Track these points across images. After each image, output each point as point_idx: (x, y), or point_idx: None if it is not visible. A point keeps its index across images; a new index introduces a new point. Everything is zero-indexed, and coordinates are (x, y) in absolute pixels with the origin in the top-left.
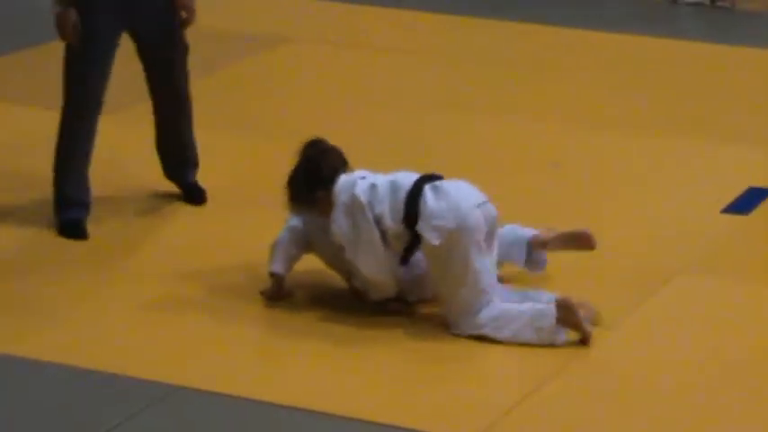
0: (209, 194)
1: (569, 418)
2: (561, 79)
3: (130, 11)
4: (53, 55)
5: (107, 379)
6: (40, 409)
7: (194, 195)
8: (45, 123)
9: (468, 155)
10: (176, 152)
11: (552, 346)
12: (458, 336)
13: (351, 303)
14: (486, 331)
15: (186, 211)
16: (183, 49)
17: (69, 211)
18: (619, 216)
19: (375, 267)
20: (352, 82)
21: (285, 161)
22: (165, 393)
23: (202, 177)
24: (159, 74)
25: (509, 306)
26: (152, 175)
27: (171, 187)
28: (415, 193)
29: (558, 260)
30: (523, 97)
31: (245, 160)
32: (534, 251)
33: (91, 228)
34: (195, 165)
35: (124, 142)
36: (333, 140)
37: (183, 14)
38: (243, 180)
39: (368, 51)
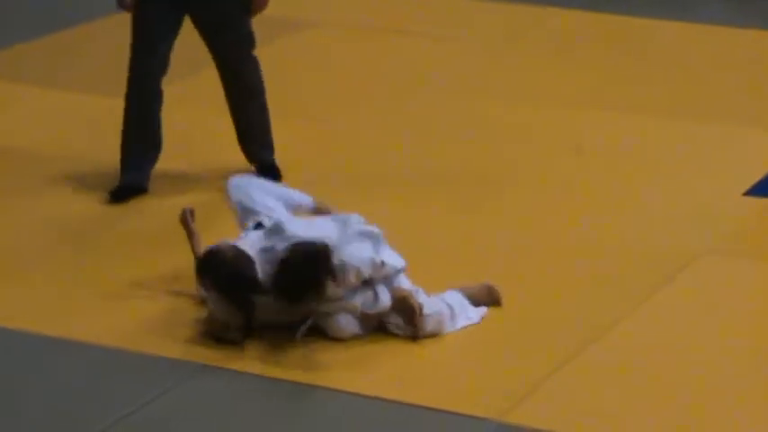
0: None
1: (589, 399)
2: (582, 64)
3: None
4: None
5: (137, 358)
6: (72, 387)
7: (270, 174)
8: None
9: (491, 140)
10: (248, 136)
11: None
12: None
13: None
14: None
15: (212, 187)
16: (245, 37)
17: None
18: (641, 199)
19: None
20: (376, 67)
21: (309, 145)
22: (195, 371)
23: (230, 159)
24: (221, 60)
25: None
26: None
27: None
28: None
29: (579, 242)
30: (546, 83)
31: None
32: None
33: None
34: (269, 147)
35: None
36: (356, 126)
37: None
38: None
39: (392, 36)
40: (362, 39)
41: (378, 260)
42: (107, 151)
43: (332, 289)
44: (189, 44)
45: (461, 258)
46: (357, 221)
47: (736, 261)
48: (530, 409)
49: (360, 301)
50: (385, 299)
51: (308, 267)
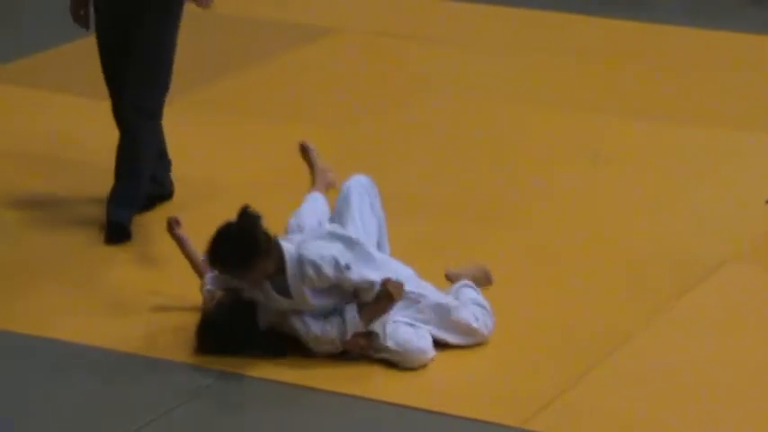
0: (261, 182)
1: (611, 407)
2: (603, 70)
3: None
4: None
5: (159, 364)
6: (96, 394)
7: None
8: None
9: (507, 146)
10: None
11: None
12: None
13: None
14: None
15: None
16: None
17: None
18: (664, 205)
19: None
20: (398, 72)
21: (331, 149)
22: (214, 379)
23: (257, 165)
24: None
25: None
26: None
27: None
28: None
29: (602, 249)
30: (563, 89)
31: (293, 148)
32: None
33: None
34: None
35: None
36: (376, 132)
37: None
38: (288, 167)
39: (414, 42)
40: (377, 45)
41: (342, 262)
42: None
43: (263, 266)
44: (205, 52)
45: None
46: (338, 228)
47: (761, 269)
48: (552, 417)
49: (333, 329)
50: (352, 320)
51: (239, 239)
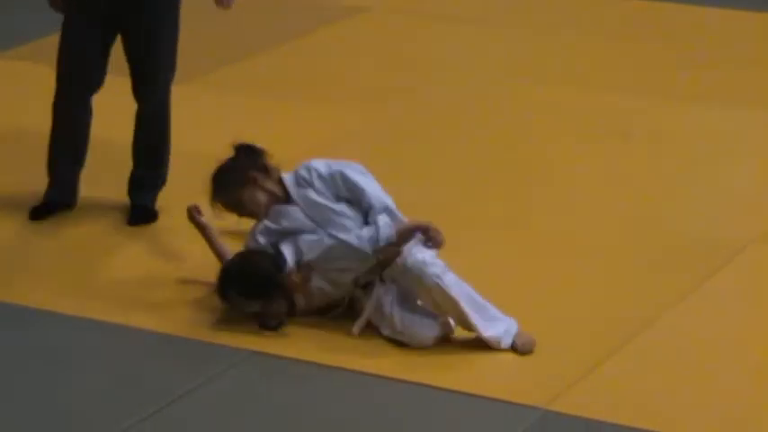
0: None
1: (636, 389)
2: (633, 50)
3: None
4: None
5: (191, 344)
6: (127, 371)
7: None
8: None
9: (538, 125)
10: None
11: None
12: None
13: None
14: None
15: None
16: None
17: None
18: (689, 187)
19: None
20: (428, 52)
21: (361, 128)
22: (241, 359)
23: (285, 143)
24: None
25: None
26: None
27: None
28: None
29: (626, 230)
30: (596, 68)
31: (321, 127)
32: None
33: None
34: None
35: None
36: (407, 111)
37: None
38: (317, 146)
39: (443, 22)
40: (406, 24)
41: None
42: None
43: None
44: (235, 30)
45: (504, 242)
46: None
47: None
48: (577, 398)
49: (365, 235)
50: (384, 226)
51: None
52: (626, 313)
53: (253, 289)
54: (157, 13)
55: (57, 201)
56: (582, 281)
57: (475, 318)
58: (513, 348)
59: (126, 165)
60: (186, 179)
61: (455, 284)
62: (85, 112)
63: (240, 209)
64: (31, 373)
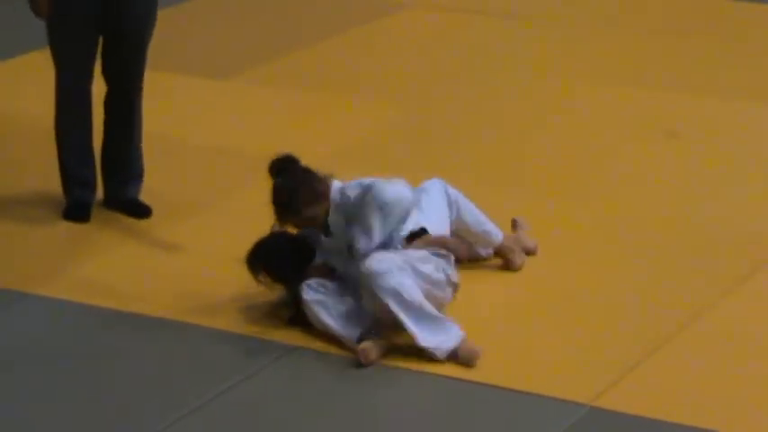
0: (329, 155)
1: (681, 385)
2: (679, 48)
3: None
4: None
5: (230, 338)
6: (173, 364)
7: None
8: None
9: (581, 123)
10: (116, 166)
11: None
12: None
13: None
14: None
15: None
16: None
17: (75, 191)
18: (735, 184)
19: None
20: (466, 48)
21: (400, 124)
22: (283, 353)
23: (327, 138)
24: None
25: None
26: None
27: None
28: None
29: (671, 227)
30: (642, 66)
31: (361, 124)
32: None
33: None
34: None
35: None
36: (446, 107)
37: None
38: (357, 142)
39: (481, 18)
40: (451, 20)
41: (366, 182)
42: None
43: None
44: (276, 25)
45: (548, 241)
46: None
47: None
48: (621, 395)
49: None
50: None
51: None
52: (670, 310)
53: (275, 270)
54: (142, 18)
55: (87, 200)
56: (626, 277)
57: (411, 325)
58: (455, 358)
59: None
60: (226, 175)
61: (395, 294)
62: (90, 112)
63: (308, 224)
64: (89, 367)
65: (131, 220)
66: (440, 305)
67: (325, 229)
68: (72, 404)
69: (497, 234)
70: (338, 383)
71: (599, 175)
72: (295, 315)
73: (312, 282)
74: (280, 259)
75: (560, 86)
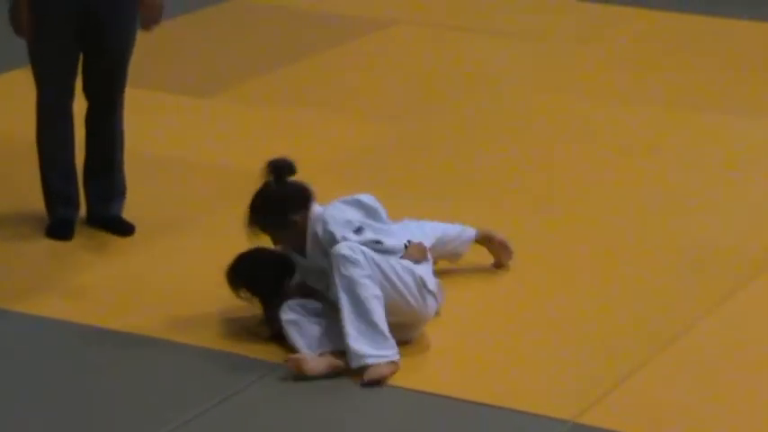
0: (313, 172)
1: (666, 401)
2: (662, 65)
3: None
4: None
5: (214, 355)
6: (156, 382)
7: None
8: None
9: (566, 138)
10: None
11: None
12: None
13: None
14: None
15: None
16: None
17: (58, 208)
18: (722, 198)
19: None
20: (454, 65)
21: (386, 141)
22: (267, 371)
23: (310, 156)
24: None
25: None
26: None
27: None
28: None
29: (656, 242)
30: (625, 82)
31: (347, 141)
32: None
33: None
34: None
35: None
36: (435, 123)
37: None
38: (342, 159)
39: (471, 34)
40: (434, 37)
41: (355, 223)
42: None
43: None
44: (262, 43)
45: (531, 256)
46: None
47: None
48: (605, 411)
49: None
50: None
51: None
52: (656, 325)
53: (254, 286)
54: (123, 34)
55: (70, 218)
56: (611, 292)
57: (348, 323)
58: (359, 374)
59: None
60: (210, 192)
61: (350, 283)
62: (72, 129)
63: (275, 241)
64: (73, 384)
65: (114, 238)
66: (416, 318)
67: (301, 251)
68: (54, 422)
69: (469, 233)
70: (323, 401)
71: (583, 190)
72: (274, 334)
73: (292, 302)
74: (261, 275)
75: (546, 103)
